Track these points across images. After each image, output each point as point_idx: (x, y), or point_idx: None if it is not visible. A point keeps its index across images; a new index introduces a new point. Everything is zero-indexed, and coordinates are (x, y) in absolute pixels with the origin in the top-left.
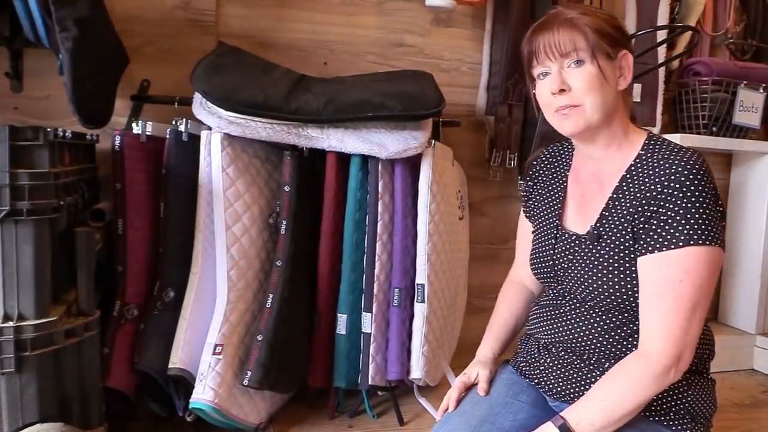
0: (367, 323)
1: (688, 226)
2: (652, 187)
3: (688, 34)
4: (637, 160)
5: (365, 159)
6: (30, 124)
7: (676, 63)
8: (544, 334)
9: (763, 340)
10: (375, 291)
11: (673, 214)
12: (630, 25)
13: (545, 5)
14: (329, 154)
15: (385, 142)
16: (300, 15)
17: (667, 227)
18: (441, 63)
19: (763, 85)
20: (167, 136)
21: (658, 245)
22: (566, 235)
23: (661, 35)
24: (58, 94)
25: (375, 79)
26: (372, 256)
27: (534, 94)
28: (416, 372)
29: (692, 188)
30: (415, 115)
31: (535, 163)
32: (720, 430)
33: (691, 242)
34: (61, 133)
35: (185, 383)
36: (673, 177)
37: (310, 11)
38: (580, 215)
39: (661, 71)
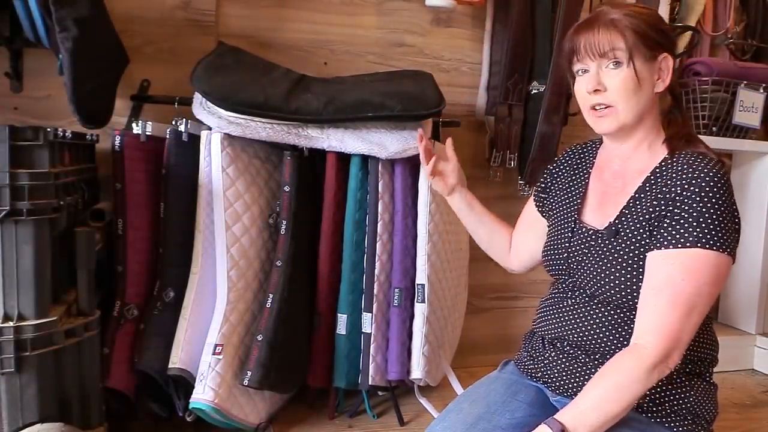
0: (368, 323)
1: (699, 229)
2: (673, 189)
3: (688, 34)
4: (663, 163)
5: (365, 159)
6: (30, 124)
7: (676, 63)
8: (550, 329)
9: (763, 340)
10: (375, 291)
11: (686, 216)
12: None
13: (546, 5)
14: (329, 154)
15: (385, 142)
16: (300, 15)
17: (678, 227)
18: (441, 63)
19: (763, 85)
20: (167, 136)
21: (666, 242)
22: (583, 230)
23: None
24: (58, 94)
25: (375, 79)
26: (372, 256)
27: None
28: (417, 372)
29: (710, 194)
30: (415, 115)
31: (556, 161)
32: (720, 430)
33: (699, 244)
34: (61, 133)
35: (185, 383)
36: (694, 181)
37: (310, 11)
38: (600, 212)
39: None
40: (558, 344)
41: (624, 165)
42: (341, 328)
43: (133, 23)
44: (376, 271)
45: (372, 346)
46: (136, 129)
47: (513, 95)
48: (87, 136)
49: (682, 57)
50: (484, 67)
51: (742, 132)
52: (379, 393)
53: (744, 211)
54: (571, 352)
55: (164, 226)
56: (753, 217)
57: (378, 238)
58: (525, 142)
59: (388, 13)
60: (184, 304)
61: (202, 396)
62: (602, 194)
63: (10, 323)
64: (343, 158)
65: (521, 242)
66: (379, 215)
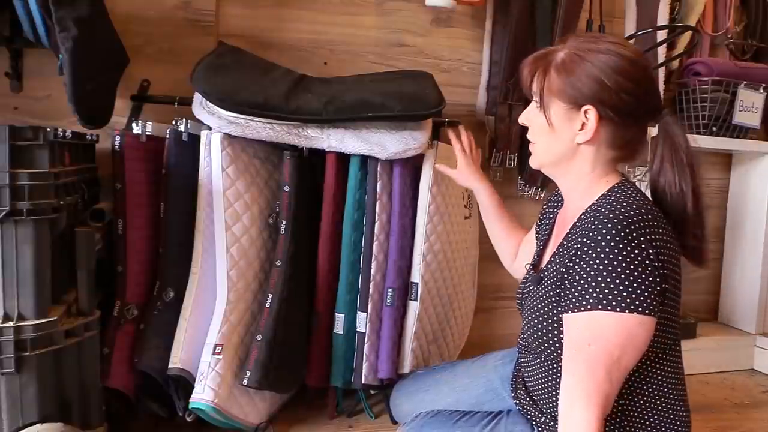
0: (362, 323)
1: (599, 290)
2: (579, 242)
3: (688, 34)
4: (588, 209)
5: (365, 159)
6: (30, 124)
7: (676, 63)
8: (519, 365)
9: (763, 340)
10: (371, 291)
11: (585, 275)
12: (630, 25)
13: (546, 5)
14: (329, 154)
15: (385, 143)
16: (300, 15)
17: (579, 288)
18: (441, 63)
19: (763, 85)
20: (167, 136)
21: (571, 305)
22: (532, 272)
23: (661, 35)
24: (58, 94)
25: (375, 79)
26: (369, 256)
27: None
28: (405, 368)
29: (607, 250)
30: (415, 115)
31: (552, 194)
32: (720, 430)
33: (600, 306)
34: (61, 133)
35: (185, 383)
36: (592, 235)
37: (310, 11)
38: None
39: (661, 71)
40: (520, 382)
41: (567, 208)
42: (339, 328)
43: (133, 23)
44: (372, 271)
45: (366, 345)
46: (136, 129)
47: (513, 95)
48: (87, 136)
49: (682, 57)
50: (484, 67)
51: (742, 132)
52: (372, 392)
53: (744, 211)
54: (527, 400)
55: (164, 226)
56: (753, 217)
57: (375, 239)
58: (525, 142)
59: (388, 13)
60: (184, 304)
61: (202, 396)
62: (556, 236)
63: (10, 323)
64: (343, 158)
65: (524, 254)
66: (376, 215)
